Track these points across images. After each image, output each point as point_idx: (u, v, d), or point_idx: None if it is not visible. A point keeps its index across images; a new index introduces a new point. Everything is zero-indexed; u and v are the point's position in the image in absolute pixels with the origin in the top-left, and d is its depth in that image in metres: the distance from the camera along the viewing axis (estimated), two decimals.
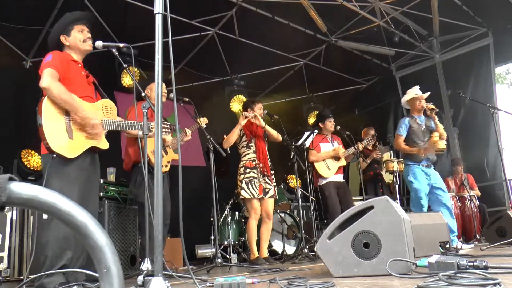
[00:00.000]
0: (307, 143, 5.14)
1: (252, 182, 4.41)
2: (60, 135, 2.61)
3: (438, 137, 4.77)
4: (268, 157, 4.62)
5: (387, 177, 6.55)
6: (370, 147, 6.33)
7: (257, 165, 4.49)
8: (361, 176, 5.77)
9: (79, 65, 2.90)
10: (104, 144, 2.85)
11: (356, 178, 5.56)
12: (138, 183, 3.65)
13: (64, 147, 2.60)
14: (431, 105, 4.85)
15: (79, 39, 2.88)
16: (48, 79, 2.57)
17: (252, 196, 4.37)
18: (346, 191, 5.26)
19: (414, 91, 4.97)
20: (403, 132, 4.86)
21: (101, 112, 2.87)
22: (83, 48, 2.91)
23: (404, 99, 5.04)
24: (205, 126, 4.07)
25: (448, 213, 4.64)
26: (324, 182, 5.17)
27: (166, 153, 3.91)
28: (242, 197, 4.45)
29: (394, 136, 5.05)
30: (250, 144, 4.59)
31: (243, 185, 4.40)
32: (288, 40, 6.53)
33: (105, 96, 3.00)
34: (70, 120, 2.67)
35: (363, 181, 6.33)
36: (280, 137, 4.71)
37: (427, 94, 4.97)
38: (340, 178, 5.29)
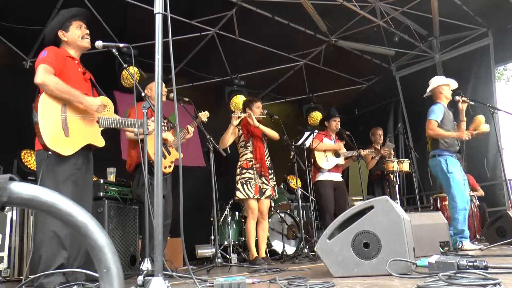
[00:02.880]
0: (307, 143, 5.15)
1: (248, 182, 4.41)
2: (56, 133, 2.60)
3: (483, 118, 4.45)
4: (266, 157, 4.62)
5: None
6: (378, 146, 6.30)
7: (254, 166, 4.49)
8: (361, 176, 5.76)
9: (76, 61, 2.89)
10: (100, 142, 2.85)
11: (357, 177, 5.54)
12: (141, 184, 3.65)
13: (60, 145, 2.59)
14: (465, 98, 4.61)
15: (77, 35, 2.87)
16: (42, 74, 2.57)
17: (247, 197, 4.37)
18: (343, 192, 5.27)
19: (442, 79, 4.76)
20: (439, 117, 4.44)
21: None
22: (81, 45, 2.90)
23: (432, 85, 4.71)
24: (206, 120, 4.07)
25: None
26: (321, 178, 5.18)
27: (169, 153, 3.90)
28: (237, 197, 4.47)
29: (426, 122, 4.52)
30: (247, 144, 4.59)
31: (239, 185, 4.41)
32: (288, 40, 6.53)
33: (102, 93, 2.99)
34: (66, 117, 2.67)
35: (370, 181, 6.32)
36: (277, 135, 4.71)
37: (455, 83, 4.79)
38: (338, 177, 5.32)
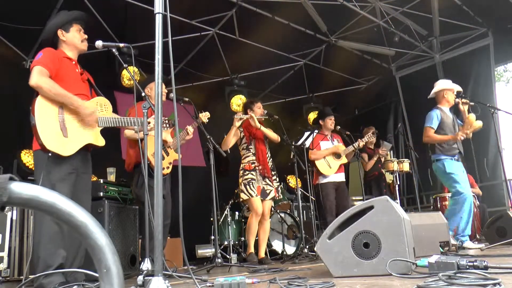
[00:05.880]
0: (307, 143, 5.14)
1: (250, 183, 4.42)
2: (55, 134, 2.61)
3: (474, 116, 4.52)
4: (268, 158, 4.62)
5: (387, 177, 6.55)
6: (372, 146, 6.29)
7: (256, 167, 4.49)
8: (361, 176, 5.76)
9: (73, 62, 2.90)
10: (100, 141, 2.85)
11: (356, 177, 5.55)
12: (140, 184, 3.65)
13: (59, 146, 2.60)
14: (465, 100, 4.68)
15: (77, 37, 2.91)
16: (36, 76, 2.58)
17: (250, 196, 4.39)
18: (344, 191, 5.26)
19: (446, 83, 4.86)
20: (434, 124, 4.64)
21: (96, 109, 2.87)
22: (80, 48, 2.94)
23: (436, 89, 4.86)
24: (207, 120, 4.06)
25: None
26: (323, 181, 5.17)
27: (168, 154, 3.89)
28: (242, 199, 4.48)
29: (424, 129, 4.70)
30: (249, 147, 4.59)
31: (242, 187, 4.43)
32: (288, 40, 6.53)
33: (100, 93, 3.00)
34: (64, 118, 2.67)
35: (367, 181, 6.33)
36: (278, 138, 4.71)
37: (459, 88, 4.87)
38: (341, 177, 5.29)
